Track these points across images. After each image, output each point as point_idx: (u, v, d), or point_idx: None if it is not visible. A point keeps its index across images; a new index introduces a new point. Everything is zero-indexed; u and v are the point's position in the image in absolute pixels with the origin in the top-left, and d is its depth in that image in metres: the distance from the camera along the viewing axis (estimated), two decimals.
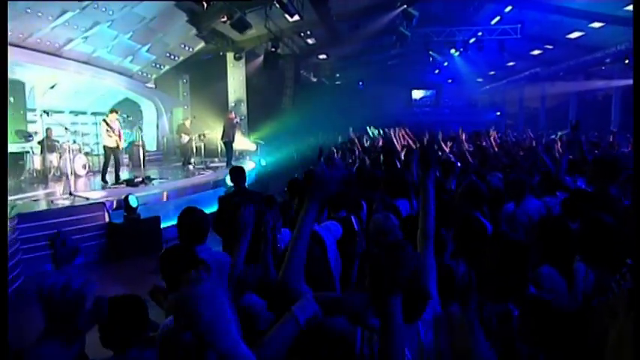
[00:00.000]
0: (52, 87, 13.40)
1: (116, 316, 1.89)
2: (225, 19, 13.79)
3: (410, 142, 9.04)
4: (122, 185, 9.46)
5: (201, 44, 15.97)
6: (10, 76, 12.17)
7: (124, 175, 11.42)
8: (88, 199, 7.83)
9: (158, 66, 16.06)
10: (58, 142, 11.62)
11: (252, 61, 18.95)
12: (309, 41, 18.72)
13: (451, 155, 7.40)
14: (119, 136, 9.76)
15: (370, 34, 16.83)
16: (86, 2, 10.78)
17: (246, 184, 5.09)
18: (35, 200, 7.96)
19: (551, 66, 22.17)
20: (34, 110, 13.52)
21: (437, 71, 25.55)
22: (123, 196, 8.23)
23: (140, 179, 9.69)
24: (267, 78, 19.25)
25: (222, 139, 12.99)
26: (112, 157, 9.84)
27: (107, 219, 7.45)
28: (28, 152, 11.33)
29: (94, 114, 16.14)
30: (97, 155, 13.54)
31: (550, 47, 20.55)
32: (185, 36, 14.84)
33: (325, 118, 22.02)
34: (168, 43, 14.84)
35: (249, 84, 19.18)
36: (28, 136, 11.04)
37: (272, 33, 15.90)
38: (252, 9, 14.37)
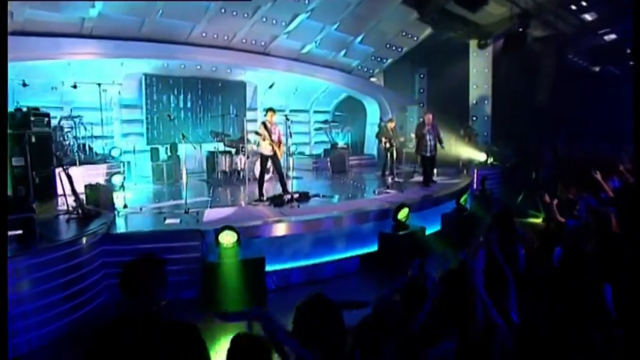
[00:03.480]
0: (271, 86, 13.38)
1: None
2: None
3: None
4: (265, 203, 8.03)
5: (428, 30, 13.24)
6: (228, 77, 12.66)
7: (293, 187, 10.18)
8: (198, 221, 6.70)
9: (379, 59, 14.26)
10: (249, 142, 11.31)
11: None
12: (587, 17, 13.28)
13: None
14: (278, 143, 8.21)
15: None
16: None
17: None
18: (160, 212, 7.34)
19: None
20: (255, 109, 13.94)
21: None
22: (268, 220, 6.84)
23: (289, 197, 8.04)
24: (519, 67, 14.76)
25: (416, 152, 10.09)
26: (268, 166, 8.52)
27: (204, 250, 6.10)
28: (229, 152, 11.38)
29: (317, 112, 15.77)
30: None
31: None
32: (405, 22, 12.49)
33: (606, 120, 15.83)
34: (385, 32, 12.81)
35: (496, 76, 15.23)
36: (216, 136, 11.04)
37: (521, 8, 11.68)
38: None
